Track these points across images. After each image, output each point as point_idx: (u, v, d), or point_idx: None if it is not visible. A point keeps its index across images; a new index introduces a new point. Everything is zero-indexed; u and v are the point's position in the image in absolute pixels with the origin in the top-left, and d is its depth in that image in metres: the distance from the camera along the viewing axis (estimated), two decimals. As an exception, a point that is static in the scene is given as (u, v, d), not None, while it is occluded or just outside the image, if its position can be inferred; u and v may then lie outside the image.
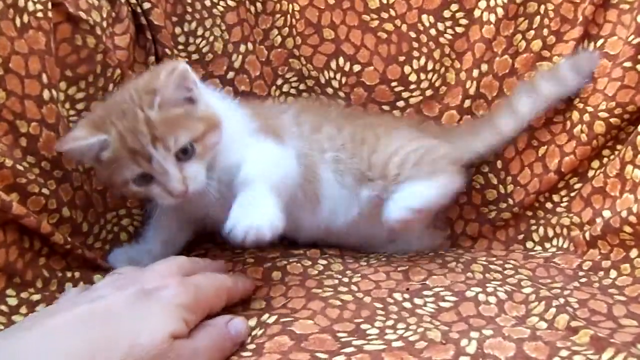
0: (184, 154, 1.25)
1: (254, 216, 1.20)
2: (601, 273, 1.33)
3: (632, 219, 1.28)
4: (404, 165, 1.44)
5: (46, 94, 1.28)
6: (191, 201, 1.29)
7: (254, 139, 1.39)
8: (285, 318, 1.15)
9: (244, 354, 1.06)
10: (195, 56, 1.63)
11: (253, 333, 1.13)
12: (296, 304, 1.23)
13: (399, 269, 1.37)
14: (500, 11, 1.61)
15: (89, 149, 1.25)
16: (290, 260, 1.38)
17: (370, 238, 1.54)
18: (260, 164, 1.32)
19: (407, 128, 1.55)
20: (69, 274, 1.29)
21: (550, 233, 1.53)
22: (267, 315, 1.15)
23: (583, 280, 1.31)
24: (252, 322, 1.15)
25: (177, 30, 1.63)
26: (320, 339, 1.08)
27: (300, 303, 1.23)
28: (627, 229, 1.30)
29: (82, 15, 1.39)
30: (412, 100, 1.65)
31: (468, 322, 1.15)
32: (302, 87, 1.68)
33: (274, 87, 1.67)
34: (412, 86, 1.65)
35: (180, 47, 1.63)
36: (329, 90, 1.66)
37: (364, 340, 1.08)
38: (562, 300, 1.18)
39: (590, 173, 1.52)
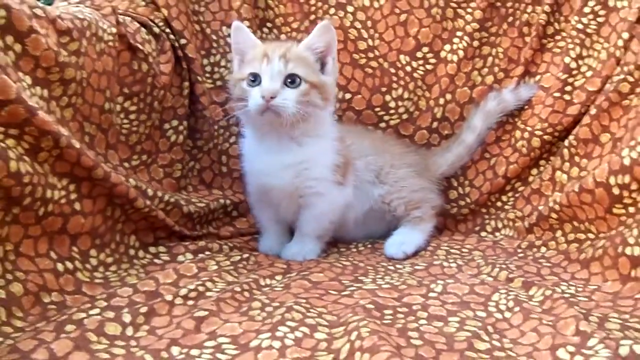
0: (292, 83, 1.54)
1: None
2: (535, 249, 1.67)
3: (556, 207, 1.63)
4: (408, 204, 1.77)
5: (107, 105, 1.54)
6: (270, 116, 1.52)
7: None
8: (303, 272, 1.49)
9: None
10: (219, 82, 1.90)
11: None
12: (311, 264, 1.57)
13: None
14: (461, 53, 1.95)
15: (248, 38, 1.63)
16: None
17: (374, 229, 1.82)
18: None
19: (414, 164, 1.83)
20: (132, 238, 1.54)
21: (500, 225, 1.85)
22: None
23: (520, 255, 1.65)
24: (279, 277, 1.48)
25: (205, 61, 1.90)
26: (331, 284, 1.43)
27: (312, 263, 1.58)
28: (553, 215, 1.65)
29: (139, 46, 1.67)
30: (392, 122, 1.95)
31: (436, 276, 1.49)
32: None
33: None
34: (392, 111, 1.95)
35: (207, 75, 1.90)
36: (325, 114, 1.95)
37: (362, 284, 1.43)
38: (503, 265, 1.53)
39: (530, 178, 1.86)
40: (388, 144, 1.84)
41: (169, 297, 1.29)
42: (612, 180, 1.46)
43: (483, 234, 1.87)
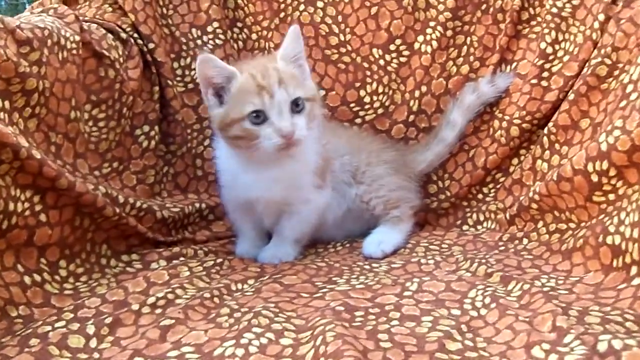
0: (296, 107, 1.46)
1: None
2: (516, 242, 1.63)
3: (536, 197, 1.59)
4: (386, 203, 1.74)
5: (72, 114, 1.52)
6: (288, 150, 1.46)
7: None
8: (276, 275, 1.46)
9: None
10: (190, 85, 1.88)
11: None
12: (285, 266, 1.55)
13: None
14: (434, 43, 1.92)
15: (221, 70, 1.48)
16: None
17: (353, 229, 1.79)
18: None
19: (391, 161, 1.80)
20: (104, 247, 1.52)
21: (482, 217, 1.82)
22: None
23: (502, 248, 1.61)
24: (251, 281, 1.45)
25: (175, 64, 1.88)
26: (303, 286, 1.40)
27: (287, 265, 1.55)
28: (534, 205, 1.61)
29: (105, 52, 1.65)
30: (367, 118, 1.93)
31: (412, 274, 1.46)
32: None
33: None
34: (367, 106, 1.93)
35: (179, 78, 1.87)
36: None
37: (335, 285, 1.40)
38: (483, 260, 1.50)
39: (511, 168, 1.82)
40: (364, 141, 1.82)
41: (135, 307, 1.28)
42: (590, 167, 1.42)
43: (465, 227, 1.83)
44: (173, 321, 1.22)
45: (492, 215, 1.79)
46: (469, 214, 1.85)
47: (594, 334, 1.06)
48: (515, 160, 1.82)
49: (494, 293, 1.27)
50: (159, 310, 1.28)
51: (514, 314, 1.17)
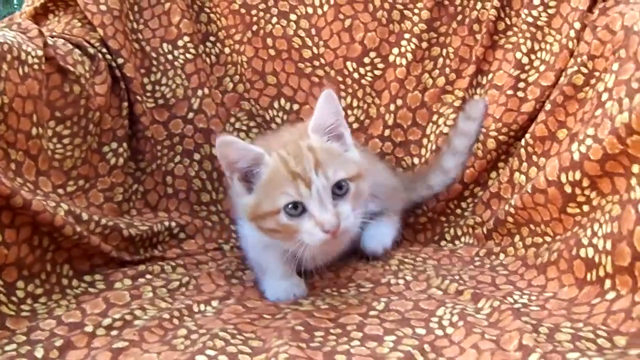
0: (339, 190, 1.27)
1: None
2: (493, 257, 1.59)
3: (512, 210, 1.56)
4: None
5: (34, 131, 1.47)
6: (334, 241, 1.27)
7: None
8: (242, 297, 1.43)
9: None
10: (161, 101, 1.84)
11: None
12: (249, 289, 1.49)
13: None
14: (409, 56, 1.88)
15: (246, 153, 1.29)
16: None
17: None
18: None
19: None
20: (66, 267, 1.46)
21: (459, 232, 1.77)
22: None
23: (477, 263, 1.57)
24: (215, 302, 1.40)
25: (145, 80, 1.84)
26: (267, 308, 1.36)
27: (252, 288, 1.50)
28: (510, 219, 1.57)
29: (70, 67, 1.61)
30: None
31: (380, 296, 1.41)
32: (252, 124, 1.89)
33: (228, 124, 1.87)
34: None
35: (148, 94, 1.83)
36: (274, 126, 1.89)
37: (299, 305, 1.36)
38: (456, 277, 1.46)
39: (489, 182, 1.77)
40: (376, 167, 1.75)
41: (89, 329, 1.23)
42: (563, 178, 1.40)
43: (442, 242, 1.79)
44: (127, 344, 1.17)
45: (470, 230, 1.75)
46: (446, 229, 1.81)
47: (562, 352, 1.03)
48: (493, 174, 1.78)
49: (462, 311, 1.24)
50: (114, 332, 1.24)
51: (481, 332, 1.13)
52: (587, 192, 1.36)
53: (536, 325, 1.15)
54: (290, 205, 1.25)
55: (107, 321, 1.26)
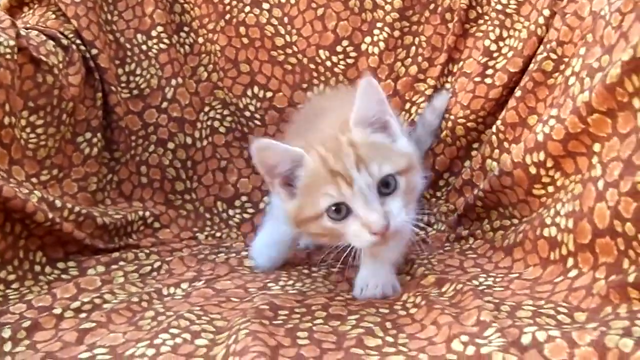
0: (386, 187, 1.15)
1: None
2: (463, 241, 1.61)
3: (481, 194, 1.57)
4: None
5: (6, 120, 1.48)
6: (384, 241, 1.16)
7: None
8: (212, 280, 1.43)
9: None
10: (135, 91, 1.85)
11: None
12: (222, 271, 1.51)
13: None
14: (382, 44, 1.90)
15: (284, 154, 1.19)
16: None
17: None
18: None
19: None
20: (39, 254, 1.47)
21: (433, 220, 1.78)
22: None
23: (447, 248, 1.59)
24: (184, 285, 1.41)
25: (120, 70, 1.85)
26: (235, 291, 1.36)
27: (224, 271, 1.51)
28: (479, 202, 1.59)
29: (43, 58, 1.62)
30: None
31: (349, 280, 1.41)
32: (225, 112, 1.91)
33: (202, 113, 1.88)
34: None
35: (123, 84, 1.84)
36: (247, 114, 1.90)
37: (267, 290, 1.37)
38: (425, 261, 1.47)
39: (463, 170, 1.78)
40: None
41: (57, 311, 1.24)
42: (528, 159, 1.40)
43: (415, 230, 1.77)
44: (94, 324, 1.18)
45: (443, 217, 1.76)
46: (420, 217, 1.78)
47: (520, 327, 1.03)
48: (467, 162, 1.79)
49: (427, 296, 1.24)
50: (83, 315, 1.25)
51: (441, 308, 1.14)
52: (551, 172, 1.37)
53: (498, 304, 1.15)
54: (333, 208, 1.15)
55: (75, 304, 1.27)
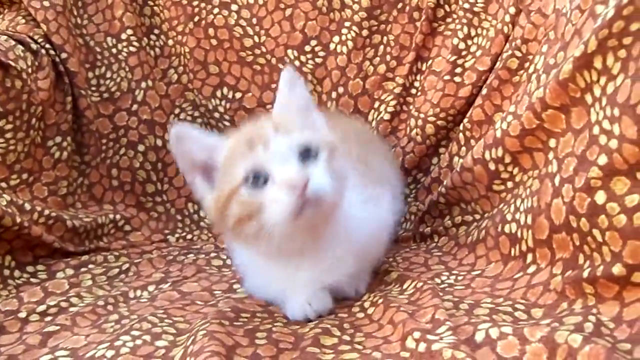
0: (307, 158, 1.09)
1: None
2: (428, 240, 1.62)
3: (443, 190, 1.58)
4: None
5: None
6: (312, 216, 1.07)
7: None
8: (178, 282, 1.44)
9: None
10: (105, 95, 1.85)
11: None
12: (189, 272, 1.52)
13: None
14: (350, 44, 1.91)
15: (202, 141, 1.16)
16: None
17: None
18: None
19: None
20: (7, 258, 1.48)
21: (401, 219, 1.77)
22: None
23: (414, 247, 1.60)
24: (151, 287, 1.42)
25: (90, 74, 1.86)
26: (201, 294, 1.37)
27: (191, 272, 1.53)
28: (442, 199, 1.60)
29: (12, 63, 1.62)
30: None
31: None
32: (196, 114, 1.92)
33: (172, 115, 1.90)
34: None
35: (93, 88, 1.85)
36: (217, 115, 1.92)
37: (232, 293, 1.38)
38: (390, 259, 1.49)
39: (431, 168, 1.80)
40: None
41: (22, 315, 1.26)
42: (487, 155, 1.42)
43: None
44: (58, 327, 1.20)
45: (412, 217, 1.77)
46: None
47: (475, 324, 1.04)
48: (435, 160, 1.81)
49: (386, 295, 1.25)
50: (48, 318, 1.27)
51: (397, 306, 1.15)
52: (509, 168, 1.39)
53: (457, 302, 1.16)
54: (251, 176, 1.08)
55: (41, 308, 1.29)
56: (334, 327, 1.14)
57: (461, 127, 1.69)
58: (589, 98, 1.16)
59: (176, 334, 1.14)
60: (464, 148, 1.67)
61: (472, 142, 1.64)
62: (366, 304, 1.24)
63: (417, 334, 1.02)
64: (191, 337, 1.07)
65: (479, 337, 1.00)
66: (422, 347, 0.99)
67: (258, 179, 1.07)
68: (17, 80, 1.64)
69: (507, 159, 1.38)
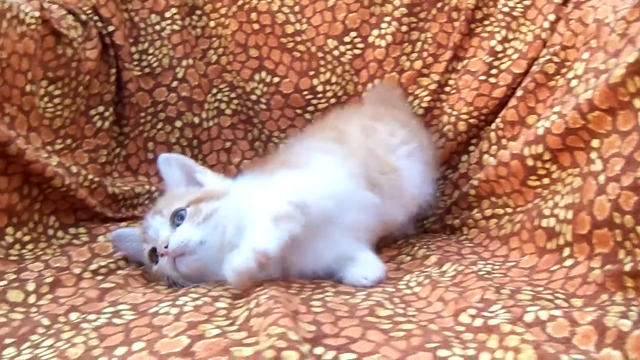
0: (180, 219, 1.29)
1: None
2: (458, 232, 1.67)
3: (475, 183, 1.64)
4: None
5: (28, 88, 1.52)
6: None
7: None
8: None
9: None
10: (147, 70, 1.89)
11: None
12: None
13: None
14: (389, 38, 1.95)
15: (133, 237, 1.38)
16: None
17: None
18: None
19: None
20: (52, 219, 1.52)
21: (429, 212, 1.80)
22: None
23: (444, 238, 1.65)
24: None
25: (133, 49, 1.90)
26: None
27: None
28: (472, 192, 1.65)
29: (64, 31, 1.67)
30: (320, 106, 1.95)
31: None
32: (232, 95, 1.96)
33: (209, 95, 1.94)
34: (320, 95, 1.95)
35: (135, 62, 1.89)
36: (253, 98, 1.95)
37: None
38: (424, 246, 1.53)
39: (460, 165, 1.84)
40: None
41: (77, 271, 1.30)
42: (526, 152, 1.46)
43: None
44: (113, 285, 1.25)
45: (439, 211, 1.81)
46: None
47: (523, 306, 1.09)
48: (464, 157, 1.84)
49: (428, 275, 1.29)
50: (100, 277, 1.31)
51: (445, 287, 1.19)
52: (547, 165, 1.43)
53: (499, 288, 1.20)
54: (149, 256, 1.32)
55: (92, 267, 1.33)
56: (385, 300, 1.18)
57: (493, 127, 1.73)
58: (637, 103, 1.21)
59: (232, 298, 1.18)
60: (494, 147, 1.71)
61: (504, 141, 1.69)
62: (412, 283, 1.28)
63: (471, 311, 1.07)
64: (251, 300, 1.12)
65: (528, 318, 1.05)
66: (478, 322, 1.03)
67: (153, 255, 1.31)
68: (68, 49, 1.67)
69: (547, 156, 1.42)
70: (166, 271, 1.26)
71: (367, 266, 1.34)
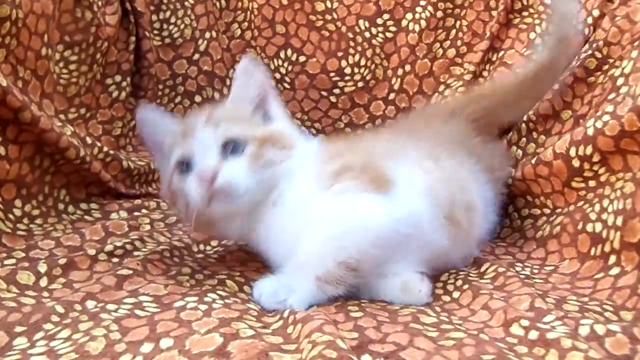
0: (234, 152, 1.13)
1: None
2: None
3: (510, 181, 1.56)
4: None
5: (43, 51, 1.44)
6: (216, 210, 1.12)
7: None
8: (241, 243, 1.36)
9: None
10: (167, 40, 1.83)
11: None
12: None
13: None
14: (423, 23, 1.89)
15: (162, 124, 1.24)
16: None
17: None
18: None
19: None
20: (63, 192, 1.45)
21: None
22: None
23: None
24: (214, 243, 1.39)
25: (154, 17, 1.83)
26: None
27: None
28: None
29: (83, -7, 1.59)
30: (347, 89, 1.89)
31: None
32: (256, 72, 1.90)
33: (232, 70, 1.85)
34: (347, 77, 1.89)
35: (156, 31, 1.82)
36: (277, 76, 1.89)
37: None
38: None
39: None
40: None
41: (91, 252, 1.22)
42: (572, 152, 1.38)
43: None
44: (131, 272, 1.16)
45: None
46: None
47: (575, 319, 1.02)
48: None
49: (466, 277, 1.23)
50: (115, 260, 1.24)
51: (489, 293, 1.12)
52: (595, 167, 1.35)
53: (543, 295, 1.14)
54: (179, 163, 1.16)
55: (108, 247, 1.25)
56: (426, 308, 1.11)
57: (524, 118, 1.66)
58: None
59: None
60: (524, 139, 1.65)
61: (534, 134, 1.63)
62: (449, 287, 1.21)
63: (524, 322, 1.00)
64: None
65: (583, 331, 0.98)
66: (533, 334, 0.96)
67: (184, 165, 1.14)
68: (87, 12, 1.61)
69: (596, 158, 1.34)
70: (192, 198, 1.12)
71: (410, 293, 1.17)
